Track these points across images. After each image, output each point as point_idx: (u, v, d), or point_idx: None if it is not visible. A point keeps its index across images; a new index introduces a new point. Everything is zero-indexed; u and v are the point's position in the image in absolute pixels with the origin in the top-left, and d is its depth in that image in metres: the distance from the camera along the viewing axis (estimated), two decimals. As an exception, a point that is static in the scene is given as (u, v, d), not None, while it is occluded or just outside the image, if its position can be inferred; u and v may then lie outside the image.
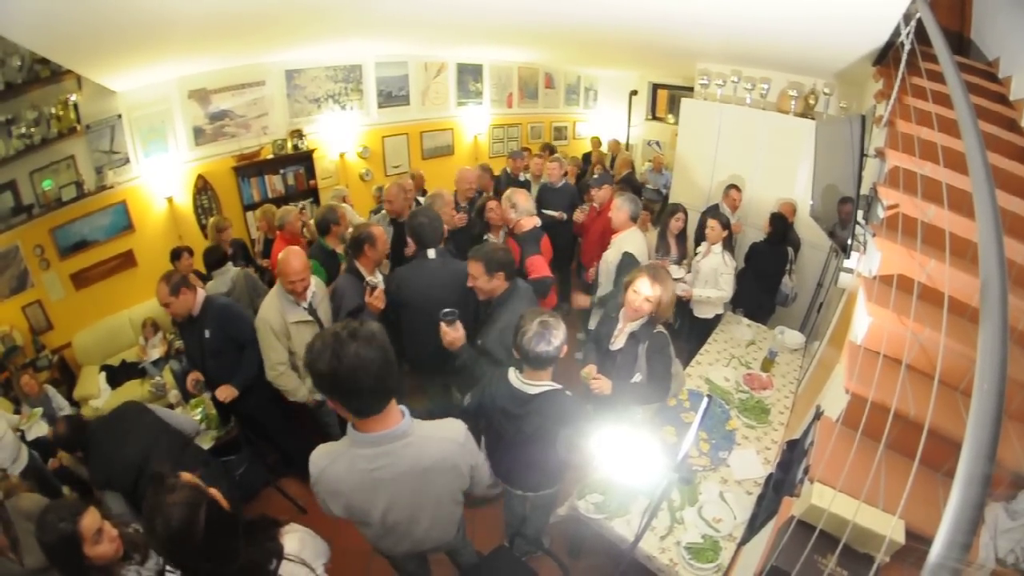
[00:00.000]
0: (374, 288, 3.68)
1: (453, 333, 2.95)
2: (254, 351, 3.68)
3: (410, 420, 1.97)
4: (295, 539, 1.85)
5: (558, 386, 2.61)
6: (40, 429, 4.42)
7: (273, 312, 3.52)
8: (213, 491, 1.75)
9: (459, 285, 3.47)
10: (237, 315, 3.82)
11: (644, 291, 3.04)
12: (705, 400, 2.01)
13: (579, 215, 5.74)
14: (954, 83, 1.97)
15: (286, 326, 3.52)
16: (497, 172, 7.29)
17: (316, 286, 3.67)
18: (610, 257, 4.49)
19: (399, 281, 3.67)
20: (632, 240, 4.46)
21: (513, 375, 2.64)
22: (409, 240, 3.82)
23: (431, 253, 3.64)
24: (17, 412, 4.58)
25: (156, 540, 1.66)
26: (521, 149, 7.95)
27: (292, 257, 3.46)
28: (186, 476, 1.74)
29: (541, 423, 2.56)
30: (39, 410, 4.58)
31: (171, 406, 4.34)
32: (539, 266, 4.14)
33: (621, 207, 4.50)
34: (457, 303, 3.16)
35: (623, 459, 2.08)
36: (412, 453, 1.98)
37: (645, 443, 2.09)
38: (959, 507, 0.98)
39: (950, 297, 2.01)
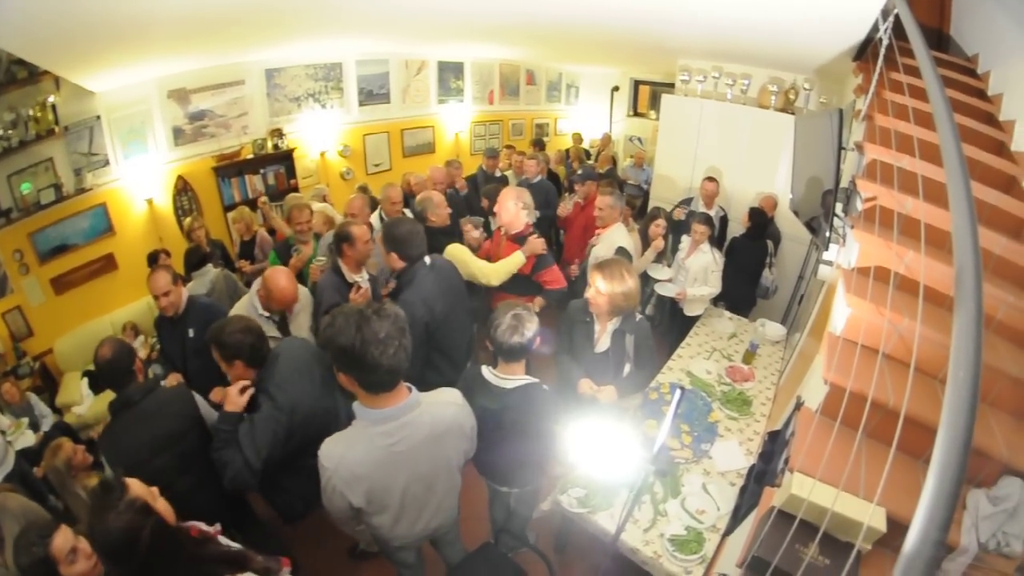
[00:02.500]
0: (359, 287, 3.66)
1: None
2: None
3: (416, 392, 2.10)
4: None
5: (534, 379, 2.65)
6: (27, 439, 4.37)
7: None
8: (160, 505, 1.80)
9: (461, 288, 3.72)
10: (221, 314, 3.77)
11: (597, 286, 3.11)
12: (677, 393, 2.02)
13: (563, 209, 5.76)
14: (929, 76, 2.00)
15: None
16: (474, 171, 7.37)
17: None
18: (601, 253, 4.40)
19: (428, 302, 3.38)
20: (621, 234, 4.50)
21: (487, 371, 2.69)
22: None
23: (428, 260, 3.50)
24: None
25: (96, 549, 1.74)
26: (500, 146, 8.00)
27: (281, 278, 3.42)
28: (134, 490, 1.74)
29: (518, 417, 2.60)
30: (25, 420, 4.53)
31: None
32: (557, 276, 4.10)
33: (612, 204, 4.54)
34: (464, 306, 3.48)
35: (599, 453, 2.10)
36: (428, 420, 2.11)
37: (621, 437, 2.10)
38: (932, 503, 0.99)
39: (929, 287, 2.04)
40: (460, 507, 2.63)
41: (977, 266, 1.31)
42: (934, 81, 1.96)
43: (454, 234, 4.56)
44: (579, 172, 6.45)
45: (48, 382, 5.58)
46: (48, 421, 4.89)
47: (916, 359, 1.75)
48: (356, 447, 2.02)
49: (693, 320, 5.06)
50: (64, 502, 3.17)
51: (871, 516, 1.61)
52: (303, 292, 3.72)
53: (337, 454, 2.00)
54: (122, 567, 1.67)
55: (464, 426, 2.30)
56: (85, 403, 5.28)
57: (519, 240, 4.04)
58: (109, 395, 5.02)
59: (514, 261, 3.93)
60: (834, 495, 1.64)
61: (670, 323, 5.46)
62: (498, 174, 6.99)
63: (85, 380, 5.46)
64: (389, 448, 2.03)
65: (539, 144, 8.37)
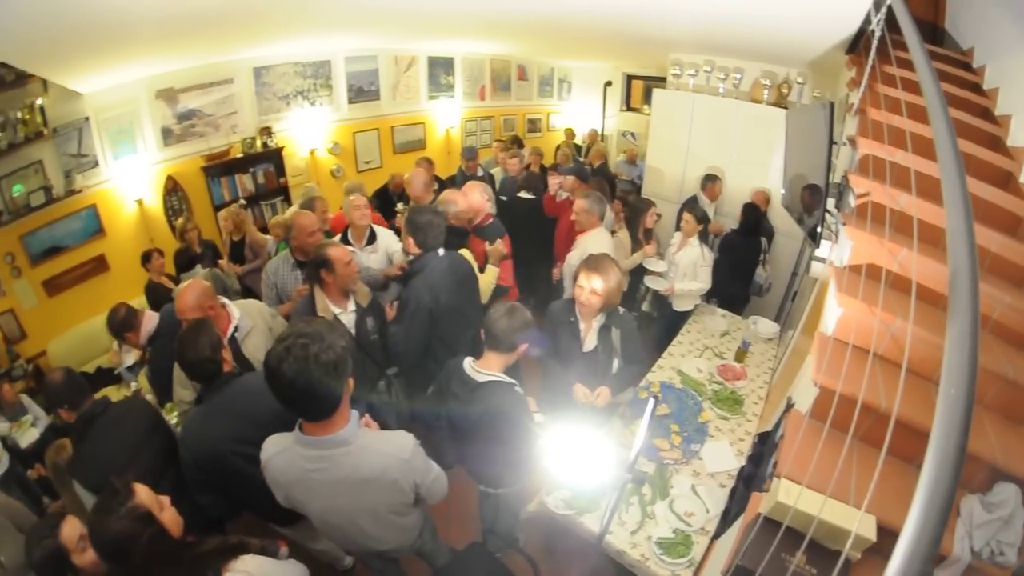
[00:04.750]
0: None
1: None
2: None
3: (354, 429, 1.98)
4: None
5: (508, 379, 2.67)
6: (31, 436, 4.40)
7: None
8: (166, 516, 1.81)
9: (474, 286, 3.82)
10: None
11: (592, 285, 3.11)
12: (651, 402, 1.98)
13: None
14: (923, 70, 1.95)
15: None
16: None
17: (247, 316, 3.36)
18: (573, 260, 4.30)
19: (435, 291, 3.42)
20: (597, 241, 4.28)
21: (467, 362, 2.73)
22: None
23: (442, 252, 3.56)
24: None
25: (94, 548, 1.75)
26: (491, 142, 7.93)
27: (303, 216, 3.59)
28: (140, 496, 1.76)
29: (484, 411, 2.61)
30: (29, 417, 4.51)
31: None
32: (505, 273, 4.23)
33: (589, 208, 4.38)
34: (473, 304, 3.56)
35: (575, 461, 2.05)
36: (350, 463, 1.99)
37: (597, 445, 2.05)
38: (919, 528, 0.94)
39: (923, 287, 2.00)
40: (427, 528, 2.62)
41: (973, 265, 1.27)
42: (928, 75, 1.91)
43: (466, 234, 4.50)
44: (568, 166, 6.44)
45: (42, 384, 5.51)
46: (42, 423, 4.85)
47: (909, 360, 1.71)
48: (281, 456, 2.01)
49: (684, 316, 5.02)
50: (64, 501, 3.14)
51: (860, 524, 1.57)
52: (257, 307, 3.58)
53: (267, 454, 2.04)
54: (118, 568, 1.72)
55: (399, 481, 2.10)
56: None
57: (480, 231, 4.30)
58: (104, 395, 5.04)
59: (488, 276, 4.08)
60: (822, 502, 1.60)
61: (659, 320, 5.39)
62: (480, 173, 6.89)
63: None
64: (308, 472, 1.99)
65: (517, 142, 8.29)
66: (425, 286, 3.36)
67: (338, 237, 4.31)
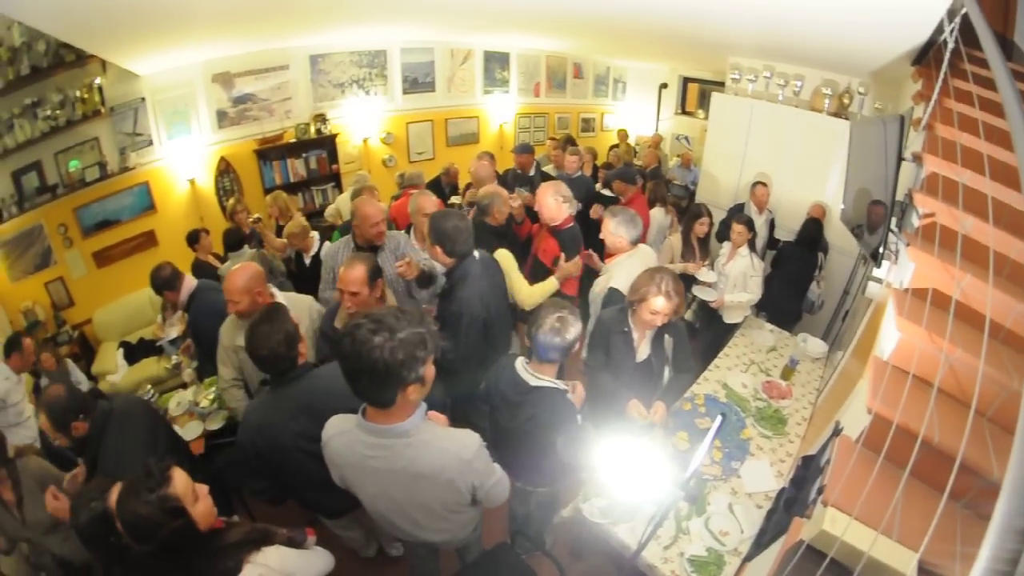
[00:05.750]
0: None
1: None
2: None
3: (418, 420, 1.94)
4: (254, 572, 1.79)
5: (562, 386, 2.61)
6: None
7: (228, 329, 3.29)
8: (200, 507, 1.80)
9: (503, 282, 3.66)
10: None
11: (661, 308, 2.98)
12: (719, 419, 1.92)
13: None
14: (1006, 88, 1.83)
15: (235, 346, 3.20)
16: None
17: (294, 310, 3.10)
18: (597, 288, 3.87)
19: (484, 299, 3.33)
20: (626, 270, 3.65)
21: (520, 363, 2.67)
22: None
23: (477, 254, 3.40)
24: (37, 386, 4.64)
25: (119, 519, 1.72)
26: (545, 139, 7.79)
27: (366, 204, 3.55)
28: (176, 485, 1.74)
29: (533, 415, 2.57)
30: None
31: (185, 385, 4.44)
32: (571, 284, 4.07)
33: (615, 231, 3.79)
34: (506, 299, 3.49)
35: (627, 473, 2.00)
36: (408, 455, 1.95)
37: (651, 458, 1.99)
38: None
39: (996, 323, 1.89)
40: (479, 523, 2.58)
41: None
42: (1012, 94, 1.79)
43: (507, 235, 4.38)
44: (617, 169, 6.29)
45: (86, 350, 5.82)
46: (83, 387, 5.06)
47: (968, 398, 1.61)
48: (340, 438, 2.02)
49: (732, 328, 4.88)
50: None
51: (913, 566, 1.48)
52: (306, 303, 3.54)
53: (329, 433, 2.05)
54: (140, 545, 1.71)
55: (456, 481, 2.03)
56: (120, 372, 5.52)
57: (558, 233, 4.03)
58: (145, 365, 5.16)
59: (549, 287, 3.83)
60: (873, 537, 1.51)
61: (707, 330, 5.27)
62: (532, 172, 6.44)
63: (121, 350, 5.72)
64: (364, 456, 1.97)
65: (570, 141, 8.13)
66: (476, 296, 3.25)
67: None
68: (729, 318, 4.95)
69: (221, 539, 1.84)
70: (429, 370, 1.85)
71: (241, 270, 3.10)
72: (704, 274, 4.87)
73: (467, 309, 3.24)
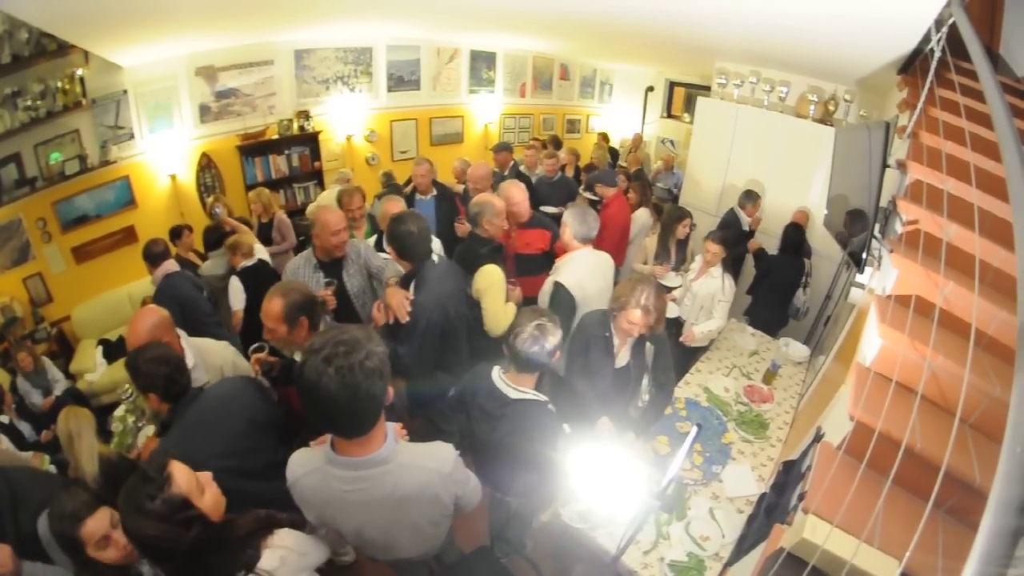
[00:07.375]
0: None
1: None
2: None
3: (392, 445, 1.84)
4: (275, 556, 1.74)
5: (542, 397, 2.51)
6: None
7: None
8: (207, 499, 1.71)
9: (463, 285, 3.49)
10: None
11: (636, 320, 2.95)
12: (694, 430, 1.90)
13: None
14: (995, 99, 1.83)
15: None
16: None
17: (204, 366, 2.93)
18: (546, 286, 3.64)
19: (443, 305, 3.18)
20: (572, 267, 3.55)
21: (496, 374, 2.54)
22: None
23: (436, 258, 3.29)
24: (14, 383, 4.63)
25: (134, 545, 1.68)
26: (530, 140, 7.77)
27: (325, 212, 3.50)
28: (178, 482, 1.63)
29: (514, 428, 2.46)
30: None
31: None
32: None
33: (564, 225, 3.63)
34: (465, 300, 3.33)
35: (603, 483, 1.97)
36: (390, 481, 1.85)
37: (626, 467, 1.97)
38: None
39: (981, 332, 1.89)
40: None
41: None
42: (1000, 106, 1.79)
43: (500, 250, 4.08)
44: (598, 172, 6.27)
45: (64, 348, 5.71)
46: (61, 386, 5.03)
47: (951, 405, 1.61)
48: (312, 476, 1.85)
49: (698, 351, 4.56)
50: (73, 465, 3.08)
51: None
52: (224, 354, 3.17)
53: (296, 474, 1.87)
54: (160, 566, 1.65)
55: (440, 495, 1.97)
56: (98, 371, 5.41)
57: (527, 226, 4.15)
58: (123, 365, 5.11)
59: (512, 312, 3.55)
60: (854, 546, 1.51)
61: (674, 347, 5.00)
62: (506, 172, 6.46)
63: (100, 349, 5.60)
64: (342, 492, 1.83)
65: (556, 142, 8.13)
66: (434, 302, 3.11)
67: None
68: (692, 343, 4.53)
69: (235, 529, 1.75)
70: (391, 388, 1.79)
71: (146, 314, 2.84)
72: (669, 279, 4.81)
73: (424, 314, 3.10)
